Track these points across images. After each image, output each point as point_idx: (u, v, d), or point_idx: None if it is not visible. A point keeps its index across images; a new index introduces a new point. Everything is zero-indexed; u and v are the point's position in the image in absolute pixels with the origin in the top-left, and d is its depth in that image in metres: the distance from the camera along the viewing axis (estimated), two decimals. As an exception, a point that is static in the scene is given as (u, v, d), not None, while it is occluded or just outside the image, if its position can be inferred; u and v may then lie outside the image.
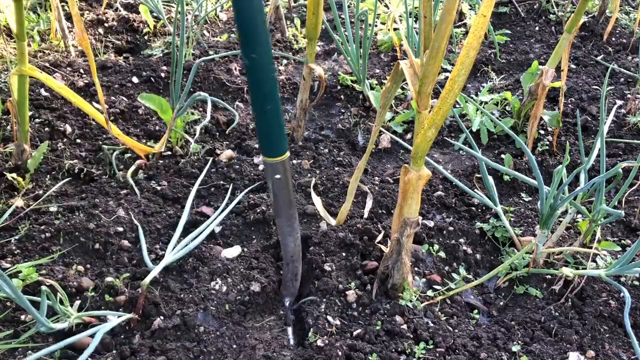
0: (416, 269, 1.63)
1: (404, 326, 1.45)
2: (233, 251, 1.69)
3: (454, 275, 1.65)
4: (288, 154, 1.25)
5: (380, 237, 1.72)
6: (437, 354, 1.38)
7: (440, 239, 1.76)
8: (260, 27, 1.05)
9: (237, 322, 1.45)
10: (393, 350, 1.38)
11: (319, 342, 1.38)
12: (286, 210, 1.35)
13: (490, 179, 1.73)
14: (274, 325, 1.51)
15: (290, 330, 1.49)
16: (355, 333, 1.43)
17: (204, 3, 3.07)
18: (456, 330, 1.47)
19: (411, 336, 1.43)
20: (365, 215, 1.84)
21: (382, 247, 1.66)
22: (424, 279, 1.62)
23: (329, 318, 1.46)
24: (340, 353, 1.35)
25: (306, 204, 1.87)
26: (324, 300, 1.51)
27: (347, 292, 1.53)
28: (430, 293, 1.57)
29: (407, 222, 1.42)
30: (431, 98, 1.34)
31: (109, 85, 2.43)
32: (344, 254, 1.67)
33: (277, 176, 1.26)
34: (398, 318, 1.47)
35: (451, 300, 1.57)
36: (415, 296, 1.53)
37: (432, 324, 1.47)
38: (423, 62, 1.24)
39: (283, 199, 1.33)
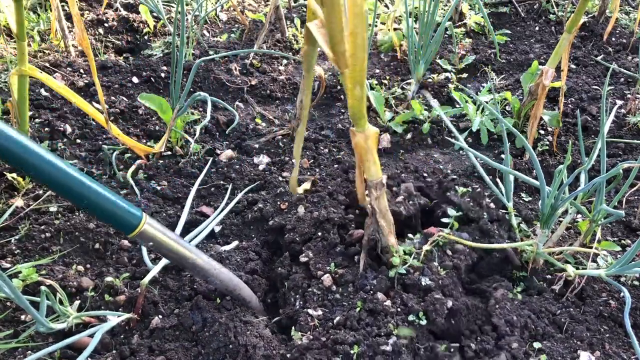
0: (410, 202, 1.66)
1: (388, 302, 1.41)
2: (230, 246, 1.70)
3: (445, 220, 1.62)
4: (144, 221, 1.20)
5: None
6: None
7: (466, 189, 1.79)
8: (21, 147, 0.99)
9: (234, 316, 1.44)
10: (377, 334, 1.35)
11: (304, 340, 1.35)
12: (184, 262, 1.33)
13: (511, 177, 1.74)
14: (268, 322, 1.50)
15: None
16: (335, 321, 1.38)
17: (204, 3, 3.07)
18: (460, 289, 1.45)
19: (399, 310, 1.40)
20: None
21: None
22: (418, 235, 1.58)
23: (310, 311, 1.42)
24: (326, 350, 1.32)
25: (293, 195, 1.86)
26: (297, 295, 1.48)
27: (322, 278, 1.48)
28: (427, 247, 1.51)
29: (371, 184, 1.38)
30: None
31: (109, 85, 2.43)
32: (320, 234, 1.63)
33: (150, 243, 1.24)
34: (381, 296, 1.42)
35: (452, 250, 1.52)
36: (409, 256, 1.47)
37: (429, 282, 1.42)
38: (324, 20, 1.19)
39: (172, 257, 1.31)
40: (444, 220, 1.64)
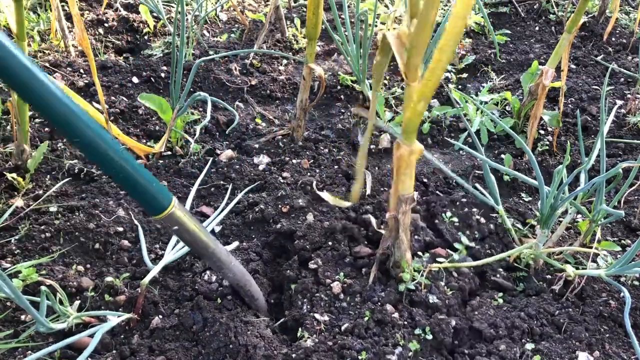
0: (417, 236, 1.66)
1: (396, 314, 1.43)
2: (231, 246, 1.69)
3: (457, 245, 1.66)
4: (173, 204, 1.19)
5: (374, 223, 1.70)
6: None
7: (453, 209, 1.79)
8: (71, 114, 1.00)
9: (235, 316, 1.44)
10: (385, 343, 1.37)
11: (309, 342, 1.36)
12: (204, 251, 1.33)
13: (493, 177, 1.74)
14: (269, 323, 1.50)
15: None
16: (343, 327, 1.40)
17: (204, 3, 3.07)
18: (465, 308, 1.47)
19: (406, 323, 1.42)
20: (368, 192, 1.89)
21: (381, 230, 1.64)
22: (427, 254, 1.61)
23: (317, 315, 1.44)
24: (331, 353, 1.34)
25: (295, 197, 1.86)
26: (305, 300, 1.49)
27: (332, 285, 1.51)
28: (434, 266, 1.56)
29: (402, 198, 1.40)
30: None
31: (109, 85, 2.43)
32: (330, 243, 1.65)
33: (175, 227, 1.23)
34: (390, 307, 1.44)
35: (458, 272, 1.56)
36: (418, 273, 1.51)
37: (437, 300, 1.45)
38: (411, 31, 1.18)
39: (194, 244, 1.31)
40: (456, 245, 1.68)
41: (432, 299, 1.46)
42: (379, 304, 1.45)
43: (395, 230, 1.46)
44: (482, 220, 1.76)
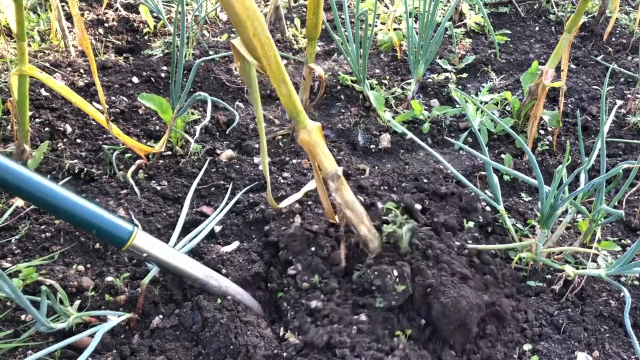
0: None
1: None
2: (231, 246, 1.69)
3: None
4: (134, 236, 1.31)
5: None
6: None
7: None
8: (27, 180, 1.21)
9: (235, 316, 1.44)
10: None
11: (296, 340, 1.36)
12: (180, 273, 1.43)
13: (496, 178, 1.74)
14: (270, 323, 1.50)
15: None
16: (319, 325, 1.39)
17: (204, 3, 3.07)
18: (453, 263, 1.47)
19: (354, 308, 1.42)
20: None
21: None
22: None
23: (296, 320, 1.44)
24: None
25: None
26: (289, 307, 1.49)
27: (307, 288, 1.50)
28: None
29: (327, 177, 1.40)
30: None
31: (109, 85, 2.43)
32: (312, 249, 1.61)
33: (144, 254, 1.35)
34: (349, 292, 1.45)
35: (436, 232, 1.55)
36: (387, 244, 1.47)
37: (405, 269, 1.42)
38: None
39: (167, 268, 1.42)
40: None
41: (396, 271, 1.41)
42: (345, 290, 1.46)
43: (341, 212, 1.44)
44: (488, 208, 1.79)
